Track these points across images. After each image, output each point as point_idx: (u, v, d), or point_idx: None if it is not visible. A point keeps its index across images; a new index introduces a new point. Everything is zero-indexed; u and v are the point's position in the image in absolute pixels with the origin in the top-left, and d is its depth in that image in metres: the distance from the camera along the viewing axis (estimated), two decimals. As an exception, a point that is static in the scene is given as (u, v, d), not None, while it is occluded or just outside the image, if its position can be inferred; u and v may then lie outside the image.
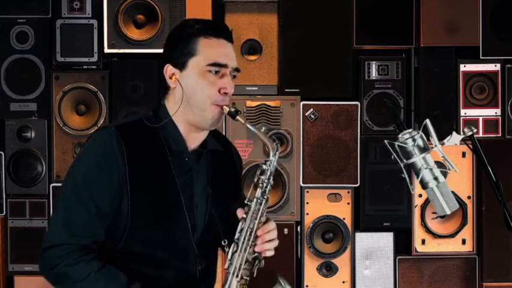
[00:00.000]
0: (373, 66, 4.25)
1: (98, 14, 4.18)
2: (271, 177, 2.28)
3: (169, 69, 2.26)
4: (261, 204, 2.26)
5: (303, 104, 4.19)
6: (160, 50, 4.09)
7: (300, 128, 4.18)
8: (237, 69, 2.29)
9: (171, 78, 2.26)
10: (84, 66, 4.20)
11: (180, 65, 2.25)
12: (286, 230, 4.17)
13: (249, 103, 4.16)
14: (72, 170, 2.24)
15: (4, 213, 4.16)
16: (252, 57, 4.24)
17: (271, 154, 2.28)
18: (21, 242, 4.14)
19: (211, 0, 4.15)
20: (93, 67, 4.20)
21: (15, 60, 4.18)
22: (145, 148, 2.22)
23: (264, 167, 2.27)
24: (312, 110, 4.19)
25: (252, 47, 4.24)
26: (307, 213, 4.19)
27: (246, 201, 2.26)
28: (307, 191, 4.20)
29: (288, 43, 4.20)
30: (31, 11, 4.18)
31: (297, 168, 4.17)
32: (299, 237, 4.21)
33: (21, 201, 4.17)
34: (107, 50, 4.17)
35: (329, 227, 4.20)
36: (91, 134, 2.29)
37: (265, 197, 2.27)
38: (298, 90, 4.20)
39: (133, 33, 4.16)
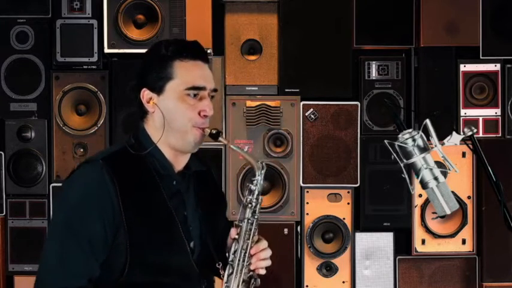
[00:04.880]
0: (373, 66, 4.25)
1: (98, 14, 4.17)
2: (260, 196, 2.27)
3: (146, 93, 2.24)
4: (252, 224, 2.25)
5: (303, 104, 4.19)
6: (160, 50, 4.14)
7: (300, 128, 4.18)
8: (215, 90, 2.28)
9: (148, 102, 2.24)
10: (84, 66, 4.20)
11: (158, 90, 2.23)
12: (286, 230, 4.17)
13: (249, 103, 4.16)
14: (61, 205, 2.19)
15: (4, 213, 4.16)
16: (252, 57, 4.24)
17: (257, 173, 2.26)
18: (21, 242, 4.14)
19: (211, 0, 4.16)
20: (93, 67, 4.20)
21: (15, 60, 4.18)
22: (135, 177, 2.20)
23: (252, 187, 2.26)
24: (312, 110, 4.19)
25: (252, 47, 4.24)
26: (307, 213, 4.19)
27: (237, 222, 2.25)
28: (307, 191, 4.20)
29: (288, 43, 4.20)
30: (31, 11, 4.17)
31: (297, 168, 4.17)
32: (299, 237, 4.21)
33: (21, 201, 4.16)
34: (107, 50, 4.17)
35: (329, 227, 4.20)
36: (75, 168, 2.23)
37: (256, 216, 2.26)
38: (298, 90, 4.20)
39: (133, 33, 4.16)
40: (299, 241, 4.21)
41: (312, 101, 4.20)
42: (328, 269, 4.21)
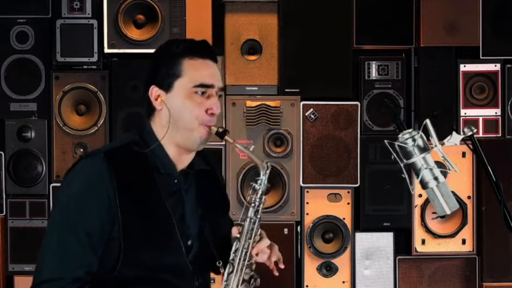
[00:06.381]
0: (373, 66, 4.25)
1: (98, 14, 4.18)
2: (263, 196, 2.28)
3: (154, 90, 2.24)
4: (254, 223, 2.26)
5: (303, 104, 4.19)
6: (160, 50, 4.14)
7: (300, 128, 4.18)
8: (222, 89, 2.29)
9: (156, 99, 2.24)
10: (84, 66, 4.20)
11: (166, 87, 2.23)
12: (286, 230, 4.17)
13: (249, 103, 4.16)
14: (60, 197, 2.22)
15: (4, 213, 4.16)
16: (252, 57, 4.24)
17: (261, 173, 2.28)
18: (21, 242, 4.14)
19: (211, 0, 4.16)
20: (93, 67, 4.20)
21: (15, 60, 4.18)
22: (134, 174, 2.21)
23: (256, 186, 2.27)
24: (312, 110, 4.19)
25: (252, 47, 4.24)
26: (307, 213, 4.19)
27: (239, 221, 2.26)
28: (307, 191, 4.20)
29: (288, 43, 4.20)
30: (31, 11, 4.17)
31: (297, 168, 4.17)
32: (299, 237, 4.21)
33: (21, 201, 4.17)
34: (107, 50, 4.17)
35: (329, 227, 4.20)
36: (78, 160, 2.26)
37: (258, 216, 2.27)
38: (298, 90, 4.20)
39: (133, 33, 4.16)
40: (299, 241, 4.21)
41: (312, 101, 4.20)
42: (328, 269, 4.21)
